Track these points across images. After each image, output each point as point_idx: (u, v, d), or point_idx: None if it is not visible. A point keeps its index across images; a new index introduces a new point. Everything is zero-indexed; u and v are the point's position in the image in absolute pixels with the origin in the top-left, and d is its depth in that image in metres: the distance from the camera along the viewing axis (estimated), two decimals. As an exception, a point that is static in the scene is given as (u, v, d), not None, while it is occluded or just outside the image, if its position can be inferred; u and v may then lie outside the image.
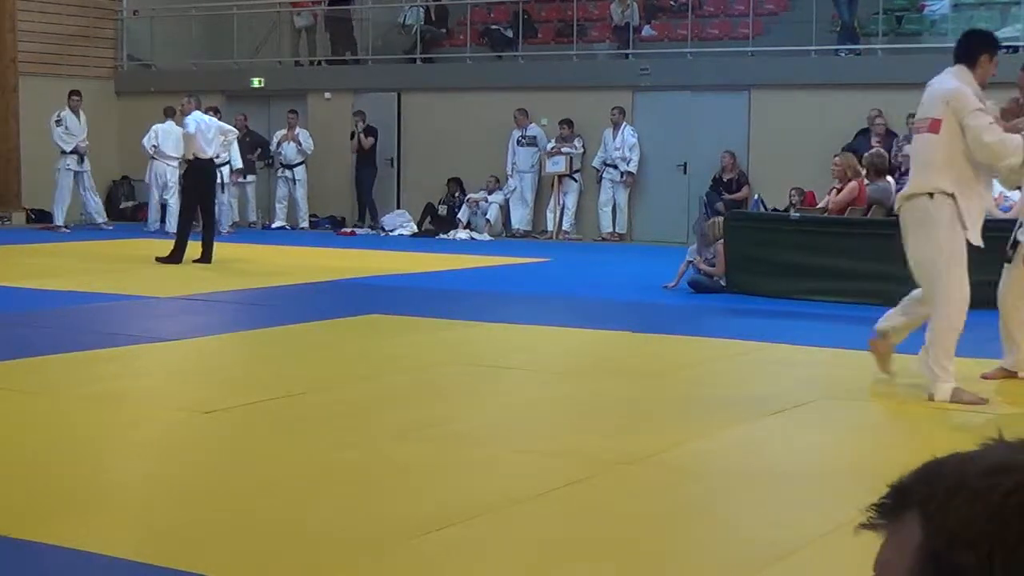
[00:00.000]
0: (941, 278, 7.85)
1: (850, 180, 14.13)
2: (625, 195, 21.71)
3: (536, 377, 9.11)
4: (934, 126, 7.91)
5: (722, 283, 13.76)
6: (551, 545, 5.14)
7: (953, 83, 7.97)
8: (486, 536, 5.20)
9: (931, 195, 7.88)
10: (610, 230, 21.66)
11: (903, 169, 15.53)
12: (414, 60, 24.22)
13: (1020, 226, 8.73)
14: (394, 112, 23.66)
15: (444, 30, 24.95)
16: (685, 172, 21.32)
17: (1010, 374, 8.72)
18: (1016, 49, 19.30)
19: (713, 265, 13.92)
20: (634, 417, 7.61)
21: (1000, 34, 19.80)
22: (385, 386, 8.47)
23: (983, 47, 8.24)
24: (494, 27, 23.99)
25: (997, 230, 8.72)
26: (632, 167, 21.48)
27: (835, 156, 15.02)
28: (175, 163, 20.67)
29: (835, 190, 14.28)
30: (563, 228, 22.02)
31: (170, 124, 21.58)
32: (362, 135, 22.92)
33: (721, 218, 14.73)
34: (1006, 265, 8.75)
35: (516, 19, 23.61)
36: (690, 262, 14.20)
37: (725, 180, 20.17)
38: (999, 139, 7.81)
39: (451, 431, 7.06)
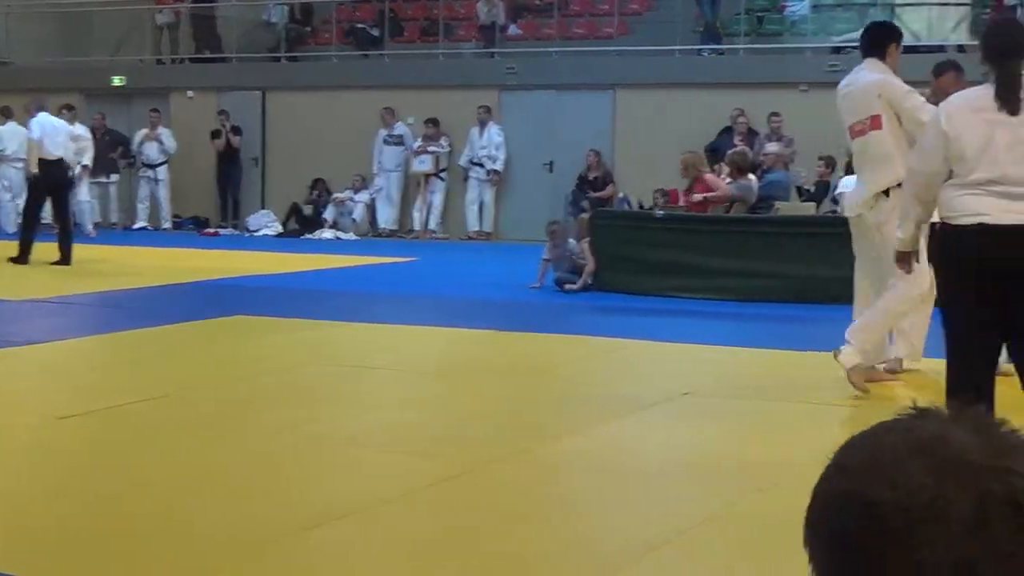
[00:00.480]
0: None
1: (699, 177, 14.32)
2: (492, 194, 21.74)
3: (403, 377, 9.07)
4: (876, 122, 8.00)
5: (589, 281, 13.82)
6: (422, 544, 5.12)
7: (876, 75, 8.07)
8: (357, 536, 5.15)
9: (887, 193, 7.98)
10: (477, 229, 21.67)
11: (765, 167, 15.74)
12: (279, 58, 24.02)
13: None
14: (258, 111, 23.43)
15: (309, 28, 24.78)
16: (551, 171, 21.39)
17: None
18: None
19: (571, 264, 13.96)
20: (503, 415, 7.60)
21: (857, 35, 20.16)
22: (251, 388, 8.36)
23: (890, 37, 8.42)
24: (360, 25, 23.88)
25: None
26: (498, 166, 21.52)
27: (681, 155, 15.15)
28: (20, 165, 20.09)
29: (688, 189, 14.46)
30: (430, 227, 21.98)
31: (12, 125, 21.04)
32: (231, 134, 22.68)
33: (586, 215, 14.81)
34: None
35: (382, 18, 23.52)
36: (547, 260, 14.26)
37: (591, 179, 20.28)
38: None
39: (318, 432, 6.99)
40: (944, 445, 1.19)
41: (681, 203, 14.81)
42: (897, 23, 19.43)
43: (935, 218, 6.02)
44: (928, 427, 1.22)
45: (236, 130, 22.75)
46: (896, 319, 8.31)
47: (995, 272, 5.53)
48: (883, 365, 8.66)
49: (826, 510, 1.23)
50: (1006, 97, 5.62)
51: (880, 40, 8.34)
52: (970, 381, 5.62)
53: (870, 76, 8.09)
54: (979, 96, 5.77)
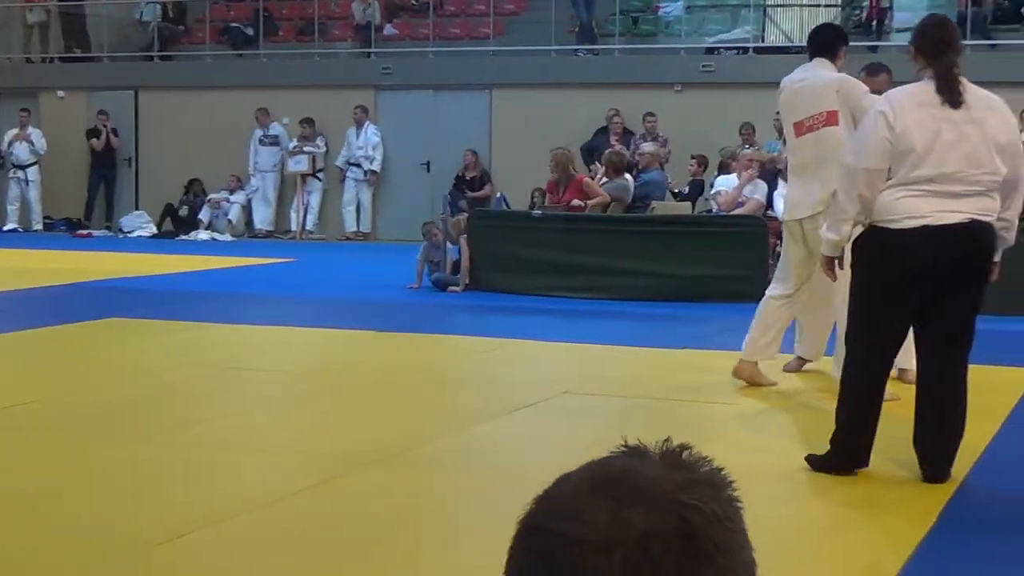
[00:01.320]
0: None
1: (571, 176, 14.44)
2: (369, 194, 21.68)
3: (280, 379, 9.01)
4: (832, 118, 7.83)
5: (466, 280, 13.84)
6: (298, 549, 5.09)
7: (833, 73, 7.96)
8: (235, 540, 5.11)
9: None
10: (354, 229, 21.60)
11: (641, 167, 15.87)
12: (151, 58, 23.73)
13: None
14: (131, 111, 23.14)
15: (183, 27, 24.51)
16: (428, 171, 21.38)
17: (806, 362, 8.95)
18: (746, 50, 19.94)
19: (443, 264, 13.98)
20: (381, 416, 7.59)
21: (730, 36, 20.47)
22: (126, 391, 8.25)
23: (841, 39, 8.30)
24: (234, 25, 23.67)
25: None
26: (375, 166, 21.47)
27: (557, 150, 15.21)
28: None
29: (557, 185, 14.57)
30: (307, 228, 21.86)
31: None
32: (112, 135, 22.38)
33: (464, 216, 14.83)
34: None
35: (256, 17, 23.33)
36: (423, 261, 14.26)
37: (468, 178, 20.31)
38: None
39: (195, 435, 6.93)
40: (628, 479, 1.22)
41: (547, 202, 14.90)
42: (768, 23, 19.81)
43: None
44: (619, 462, 1.26)
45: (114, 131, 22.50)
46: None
47: (930, 271, 5.65)
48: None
49: (517, 541, 1.26)
50: (948, 91, 5.68)
51: (833, 42, 8.15)
52: (874, 379, 5.83)
53: (828, 74, 7.93)
54: (922, 91, 5.79)
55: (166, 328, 10.97)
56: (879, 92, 8.29)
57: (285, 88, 22.00)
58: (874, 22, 19.84)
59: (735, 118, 17.80)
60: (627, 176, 14.92)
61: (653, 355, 9.79)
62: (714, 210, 14.81)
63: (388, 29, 22.89)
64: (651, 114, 18.94)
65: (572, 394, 8.17)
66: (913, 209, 5.64)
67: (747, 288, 12.22)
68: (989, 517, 5.63)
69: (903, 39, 19.79)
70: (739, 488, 1.26)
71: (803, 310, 8.65)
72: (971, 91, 5.80)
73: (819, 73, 7.96)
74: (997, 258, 5.99)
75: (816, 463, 6.05)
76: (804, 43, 19.52)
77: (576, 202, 14.26)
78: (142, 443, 6.71)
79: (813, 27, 8.76)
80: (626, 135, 19.10)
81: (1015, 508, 5.83)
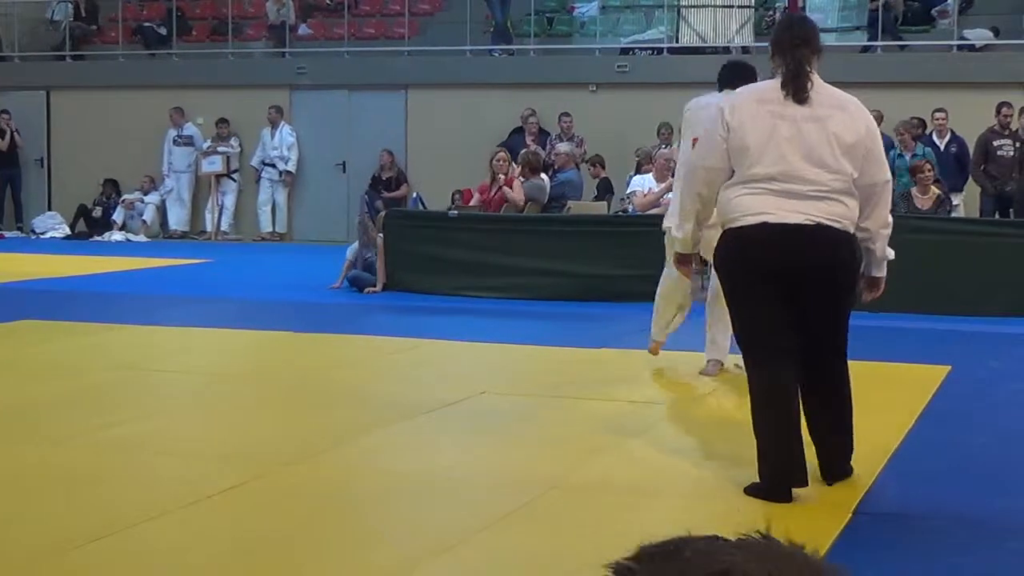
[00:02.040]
0: None
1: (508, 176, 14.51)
2: (284, 194, 21.60)
3: (196, 380, 8.96)
4: None
5: (383, 280, 13.83)
6: (214, 552, 5.08)
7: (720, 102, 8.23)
8: (151, 543, 5.09)
9: None
10: (270, 230, 21.51)
11: (556, 166, 15.94)
12: (63, 57, 23.47)
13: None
14: (43, 111, 22.88)
15: (95, 27, 24.26)
16: (344, 171, 21.34)
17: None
18: (661, 51, 20.08)
19: (373, 264, 13.96)
20: (297, 418, 7.58)
21: (644, 37, 20.60)
22: (40, 393, 8.16)
23: (745, 77, 8.13)
24: (147, 24, 23.47)
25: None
26: (291, 166, 21.39)
27: (501, 151, 15.27)
28: None
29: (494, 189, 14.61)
30: (222, 228, 21.73)
31: None
32: (15, 134, 22.11)
33: (381, 215, 14.82)
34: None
35: (169, 16, 23.15)
36: (352, 261, 14.24)
37: (384, 179, 20.28)
38: None
39: (111, 437, 6.87)
40: None
41: (480, 201, 14.95)
42: (682, 24, 19.95)
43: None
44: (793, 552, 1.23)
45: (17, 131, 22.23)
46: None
47: (780, 271, 5.54)
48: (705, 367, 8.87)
49: None
50: (795, 85, 5.58)
51: (735, 79, 8.14)
52: (777, 381, 5.64)
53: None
54: (766, 88, 5.76)
55: (81, 330, 10.87)
56: None
57: (199, 88, 21.85)
58: (786, 23, 20.03)
59: (650, 118, 17.91)
60: (543, 176, 14.99)
61: (570, 354, 9.85)
62: (630, 210, 14.90)
63: (303, 29, 22.81)
64: (567, 114, 19.03)
65: (490, 394, 8.21)
66: (752, 207, 5.52)
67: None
68: (903, 512, 5.72)
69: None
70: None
71: (709, 312, 8.83)
72: (822, 90, 5.68)
73: (717, 100, 8.13)
74: (878, 273, 5.95)
75: (753, 491, 5.73)
76: (717, 43, 19.82)
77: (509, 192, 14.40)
78: (57, 446, 6.65)
79: (724, 64, 8.91)
80: (542, 135, 19.17)
81: (929, 503, 5.93)
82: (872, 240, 5.80)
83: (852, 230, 5.65)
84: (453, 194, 16.69)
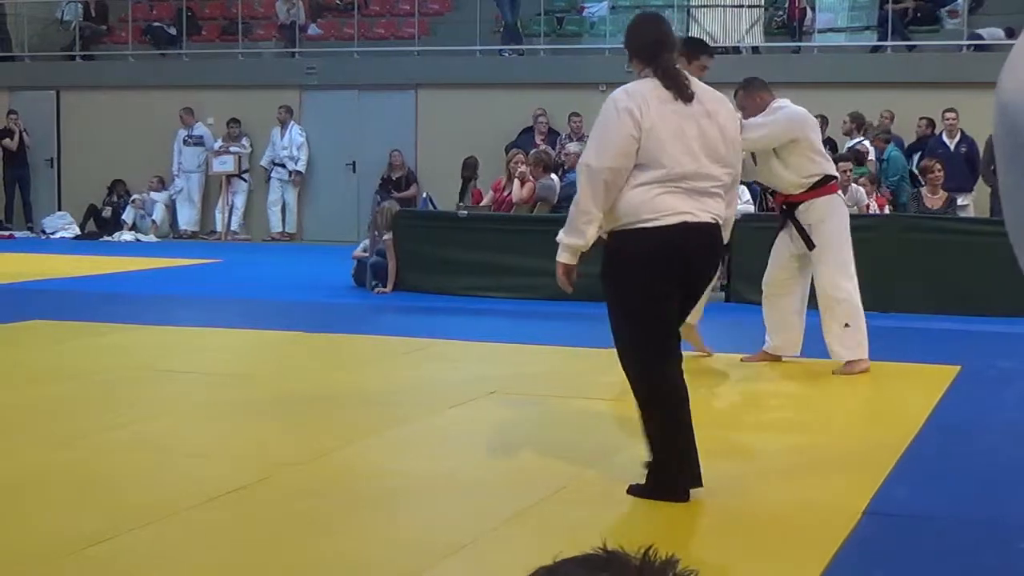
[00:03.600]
0: None
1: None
2: (294, 194, 21.62)
3: (206, 380, 8.97)
4: None
5: (393, 280, 13.84)
6: (229, 548, 5.08)
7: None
8: (159, 544, 5.09)
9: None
10: (280, 230, 21.53)
11: (567, 167, 15.93)
12: (73, 57, 23.50)
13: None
14: (53, 111, 22.92)
15: (105, 27, 24.30)
16: (354, 171, 21.35)
17: (771, 357, 9.30)
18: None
19: (384, 255, 13.95)
20: (307, 417, 7.58)
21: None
22: (50, 394, 8.18)
23: (692, 53, 8.41)
24: (157, 24, 23.50)
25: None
26: (300, 166, 21.41)
27: (519, 153, 15.27)
28: None
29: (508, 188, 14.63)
30: (232, 228, 21.75)
31: None
32: (25, 134, 22.15)
33: (389, 204, 14.80)
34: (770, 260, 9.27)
35: (179, 16, 23.18)
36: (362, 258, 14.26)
37: (394, 179, 20.29)
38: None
39: (118, 437, 6.88)
40: None
41: (492, 200, 14.98)
42: (692, 24, 19.94)
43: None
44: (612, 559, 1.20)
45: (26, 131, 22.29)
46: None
47: (687, 270, 5.61)
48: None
49: None
50: (677, 88, 5.56)
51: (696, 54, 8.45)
52: (674, 381, 5.65)
53: None
54: (656, 88, 5.62)
55: (91, 330, 10.88)
56: (758, 107, 8.79)
57: (209, 88, 21.87)
58: (795, 23, 20.04)
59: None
60: (553, 176, 14.99)
61: (579, 354, 9.84)
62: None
63: (312, 29, 22.83)
64: (576, 114, 19.02)
65: (499, 394, 8.20)
66: (671, 206, 5.49)
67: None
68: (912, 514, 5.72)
69: (825, 40, 20.05)
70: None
71: (766, 306, 9.12)
72: (699, 86, 5.70)
73: None
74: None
75: (640, 491, 5.68)
76: (727, 43, 19.82)
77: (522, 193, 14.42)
78: (65, 446, 6.66)
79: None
80: (552, 135, 19.17)
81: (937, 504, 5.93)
82: (725, 226, 5.83)
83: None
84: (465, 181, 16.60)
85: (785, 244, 9.12)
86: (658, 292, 5.56)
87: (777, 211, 9.46)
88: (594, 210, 5.56)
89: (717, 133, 5.59)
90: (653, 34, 5.82)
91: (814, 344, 9.08)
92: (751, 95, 9.04)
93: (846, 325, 8.80)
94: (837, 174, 9.34)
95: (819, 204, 8.89)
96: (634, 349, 5.71)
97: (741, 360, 9.37)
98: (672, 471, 5.62)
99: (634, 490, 5.67)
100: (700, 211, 5.53)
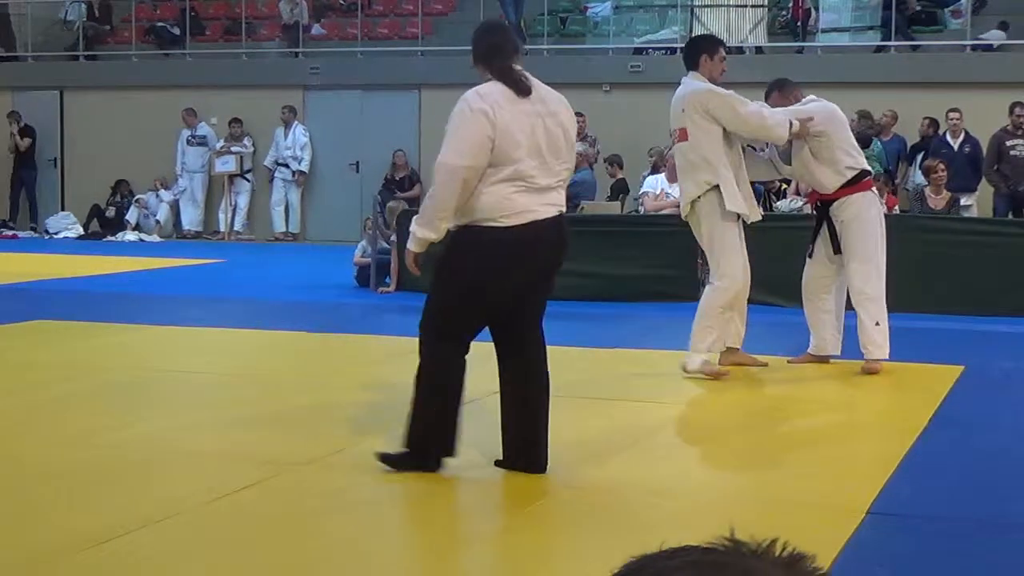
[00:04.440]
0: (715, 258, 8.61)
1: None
2: (297, 194, 21.63)
3: (211, 380, 8.98)
4: (682, 135, 8.63)
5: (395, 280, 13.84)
6: (233, 548, 5.09)
7: (685, 89, 8.69)
8: (165, 543, 5.10)
9: (699, 196, 8.59)
10: (283, 230, 21.53)
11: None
12: (77, 58, 23.52)
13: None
14: (56, 111, 22.93)
15: (108, 27, 24.32)
16: (357, 171, 21.35)
17: (817, 359, 9.26)
18: (674, 51, 20.05)
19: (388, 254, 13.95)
20: (311, 416, 7.58)
21: (657, 36, 20.59)
22: (54, 394, 8.19)
23: (699, 50, 8.85)
24: (160, 24, 23.52)
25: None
26: (304, 166, 21.42)
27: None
28: None
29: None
30: (235, 228, 21.77)
31: None
32: (18, 136, 22.17)
33: (396, 204, 14.79)
34: (808, 259, 9.22)
35: (183, 16, 23.19)
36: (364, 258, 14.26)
37: (397, 179, 20.29)
38: (755, 110, 8.63)
39: (122, 437, 6.89)
40: None
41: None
42: (696, 23, 19.95)
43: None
44: (737, 563, 1.19)
45: (26, 131, 22.30)
46: (717, 314, 8.66)
47: (534, 268, 5.90)
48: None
49: None
50: (518, 89, 5.83)
51: (691, 55, 8.87)
52: (458, 359, 6.03)
53: (683, 91, 8.72)
54: (504, 90, 5.89)
55: (94, 330, 10.89)
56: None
57: (212, 88, 21.88)
58: (799, 23, 20.05)
59: (664, 118, 17.78)
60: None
61: (584, 354, 9.85)
62: (641, 211, 14.91)
63: (316, 29, 22.84)
64: (580, 114, 18.98)
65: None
66: (522, 206, 5.75)
67: (675, 288, 12.35)
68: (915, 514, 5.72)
69: (829, 40, 20.04)
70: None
71: (805, 304, 9.23)
72: (540, 86, 5.97)
73: (681, 90, 8.74)
74: None
75: (393, 461, 6.01)
76: (731, 43, 19.83)
77: None
78: (70, 446, 6.67)
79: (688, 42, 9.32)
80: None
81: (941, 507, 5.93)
82: None
83: None
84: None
85: (823, 243, 9.12)
86: (487, 291, 5.88)
87: (812, 210, 9.46)
88: (450, 207, 5.81)
89: (560, 132, 5.87)
90: (489, 40, 6.23)
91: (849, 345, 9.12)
92: (786, 95, 9.09)
93: (877, 323, 8.83)
94: (871, 169, 9.32)
95: (854, 200, 8.92)
96: (437, 337, 6.06)
97: (788, 362, 9.31)
98: (427, 443, 5.94)
99: (386, 458, 6.01)
100: (547, 206, 5.83)
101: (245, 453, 6.58)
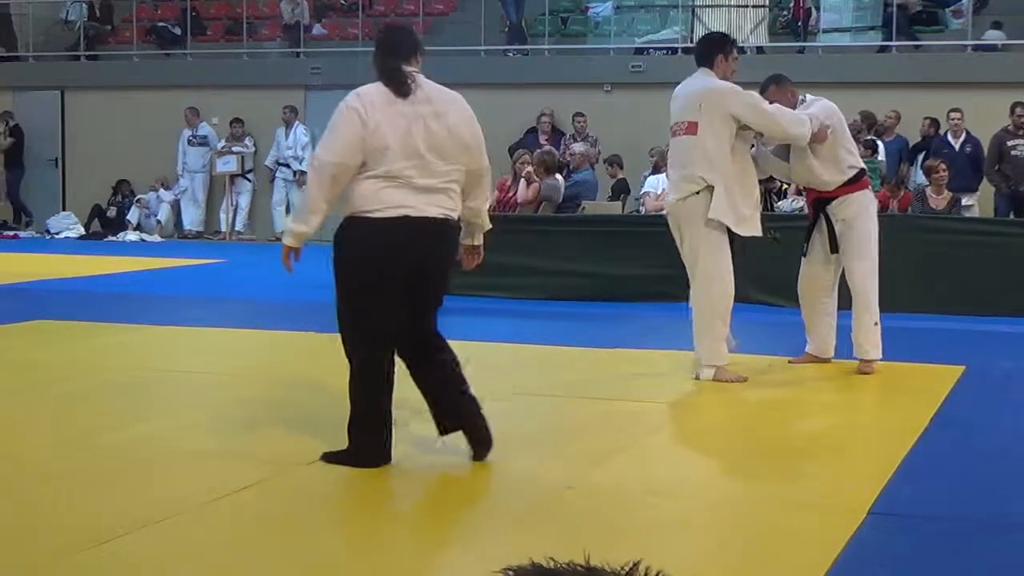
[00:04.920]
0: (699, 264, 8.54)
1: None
2: (299, 194, 21.60)
3: (212, 380, 8.98)
4: (691, 128, 8.50)
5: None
6: (232, 549, 5.08)
7: (704, 85, 8.60)
8: (166, 543, 5.09)
9: (697, 192, 8.49)
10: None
11: (572, 167, 15.94)
12: (78, 57, 23.52)
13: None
14: (57, 111, 22.94)
15: (109, 27, 24.33)
16: (359, 171, 21.34)
17: (815, 359, 9.23)
18: (675, 51, 20.06)
19: None
20: (312, 417, 7.58)
21: (659, 36, 20.58)
22: (53, 394, 8.19)
23: (716, 49, 8.77)
24: (161, 24, 23.53)
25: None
26: (305, 166, 21.39)
27: (525, 154, 15.27)
28: None
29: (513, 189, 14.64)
30: (236, 228, 21.77)
31: None
32: (4, 136, 22.19)
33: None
34: (803, 258, 9.16)
35: (184, 16, 23.20)
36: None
37: (398, 179, 20.28)
38: (777, 110, 8.61)
39: (123, 437, 6.89)
40: None
41: (497, 199, 14.98)
42: (697, 23, 19.94)
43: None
44: None
45: (13, 131, 22.33)
46: (720, 318, 8.55)
47: (413, 264, 5.99)
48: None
49: None
50: (399, 89, 6.05)
51: (707, 53, 8.75)
52: (378, 357, 6.07)
53: (700, 86, 8.64)
54: (383, 91, 6.12)
55: (95, 330, 10.89)
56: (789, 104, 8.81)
57: (213, 88, 21.89)
58: (800, 23, 20.04)
59: (665, 118, 17.84)
60: (558, 176, 14.99)
61: (584, 354, 9.85)
62: (642, 211, 14.91)
63: (317, 29, 22.84)
64: (580, 114, 19.02)
65: (505, 394, 8.19)
66: (394, 200, 5.91)
67: (675, 288, 12.33)
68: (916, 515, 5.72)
69: (830, 40, 20.03)
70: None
71: (803, 305, 9.16)
72: (431, 87, 6.15)
73: (695, 84, 8.65)
74: (479, 242, 6.40)
75: (333, 457, 6.19)
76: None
77: (527, 195, 14.45)
78: (71, 446, 6.67)
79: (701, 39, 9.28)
80: (556, 135, 19.17)
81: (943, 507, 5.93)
82: (477, 215, 6.27)
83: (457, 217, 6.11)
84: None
85: (819, 242, 9.09)
86: (374, 280, 5.99)
87: (809, 209, 9.37)
88: (321, 201, 6.04)
89: (445, 133, 6.00)
90: (384, 39, 6.50)
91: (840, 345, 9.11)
92: (783, 90, 9.00)
93: (875, 324, 8.83)
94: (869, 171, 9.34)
95: (854, 199, 8.89)
96: (348, 329, 6.18)
97: (789, 362, 9.26)
98: (364, 442, 6.11)
99: (327, 457, 6.19)
100: (426, 205, 5.93)
101: (245, 453, 6.57)
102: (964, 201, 15.12)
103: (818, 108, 8.91)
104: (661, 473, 6.34)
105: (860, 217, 8.89)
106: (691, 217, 8.50)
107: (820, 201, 9.02)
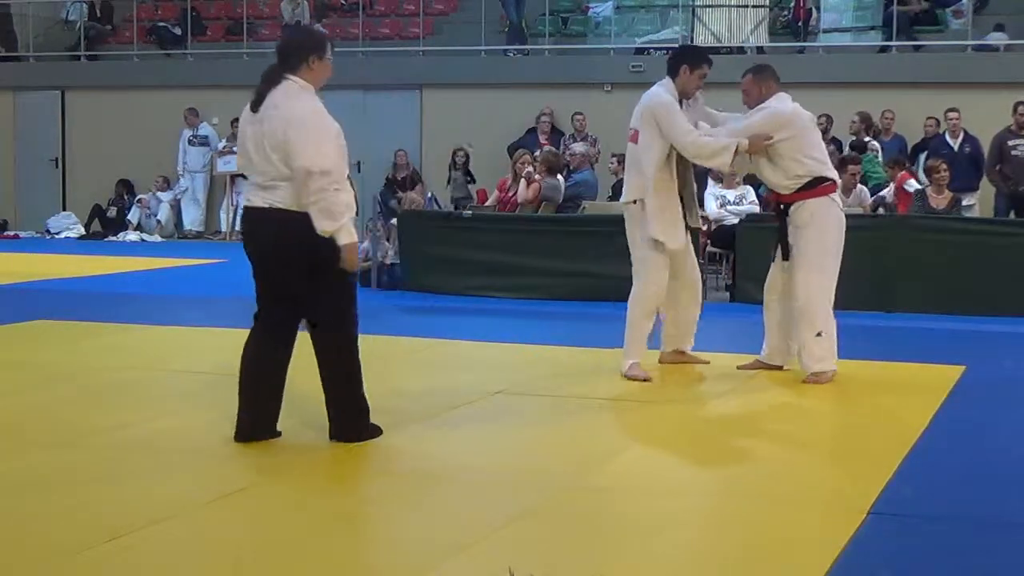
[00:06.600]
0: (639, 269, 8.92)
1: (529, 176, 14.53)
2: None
3: (213, 380, 8.96)
4: (634, 136, 8.79)
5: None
6: (232, 549, 5.08)
7: (650, 94, 8.89)
8: (167, 543, 5.09)
9: (635, 201, 8.81)
10: (284, 230, 21.50)
11: (572, 167, 15.93)
12: (79, 57, 23.52)
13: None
14: (58, 111, 22.94)
15: (110, 27, 24.33)
16: (359, 171, 21.32)
17: (766, 366, 8.98)
18: (675, 51, 20.05)
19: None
20: (308, 417, 7.56)
21: (659, 36, 20.58)
22: (54, 394, 8.19)
23: (682, 59, 9.00)
24: (162, 24, 23.53)
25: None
26: (305, 166, 21.38)
27: (525, 153, 15.26)
28: None
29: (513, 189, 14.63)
30: (237, 228, 21.75)
31: None
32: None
33: (411, 198, 14.84)
34: (771, 262, 8.98)
35: (184, 16, 23.20)
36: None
37: (398, 179, 20.28)
38: (695, 141, 8.63)
39: (124, 437, 6.89)
40: None
41: (491, 200, 14.98)
42: (697, 24, 19.94)
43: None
44: None
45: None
46: (647, 318, 8.94)
47: (253, 249, 6.65)
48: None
49: None
50: (255, 100, 6.70)
51: (673, 63, 9.07)
52: (257, 343, 6.83)
53: (648, 95, 8.96)
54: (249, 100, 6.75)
55: (96, 330, 10.89)
56: (751, 95, 8.75)
57: (214, 88, 21.88)
58: (800, 23, 20.04)
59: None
60: (559, 177, 14.98)
61: (584, 355, 9.85)
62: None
63: (317, 29, 22.82)
64: (580, 113, 19.02)
65: (504, 394, 8.20)
66: (247, 195, 6.71)
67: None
68: (919, 511, 5.72)
69: (830, 40, 20.03)
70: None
71: (766, 309, 9.03)
72: (278, 91, 6.70)
73: (648, 92, 9.00)
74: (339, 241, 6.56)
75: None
76: (733, 44, 19.83)
77: (527, 194, 14.44)
78: (71, 446, 6.67)
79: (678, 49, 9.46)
80: (556, 135, 19.17)
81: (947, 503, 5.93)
82: (316, 218, 6.49)
83: (298, 210, 6.46)
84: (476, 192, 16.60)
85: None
86: (252, 270, 6.71)
87: (774, 210, 9.20)
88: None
89: (262, 137, 6.52)
90: (281, 43, 7.14)
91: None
92: (757, 83, 8.77)
93: (818, 334, 8.54)
94: (833, 176, 8.80)
95: (809, 206, 8.58)
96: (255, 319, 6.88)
97: (737, 368, 9.05)
98: (248, 417, 6.75)
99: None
100: (257, 198, 6.56)
101: (245, 453, 6.58)
102: (965, 201, 15.10)
103: (761, 117, 8.67)
104: (661, 473, 6.34)
105: (812, 225, 8.57)
106: (629, 222, 8.96)
107: (783, 204, 8.80)
